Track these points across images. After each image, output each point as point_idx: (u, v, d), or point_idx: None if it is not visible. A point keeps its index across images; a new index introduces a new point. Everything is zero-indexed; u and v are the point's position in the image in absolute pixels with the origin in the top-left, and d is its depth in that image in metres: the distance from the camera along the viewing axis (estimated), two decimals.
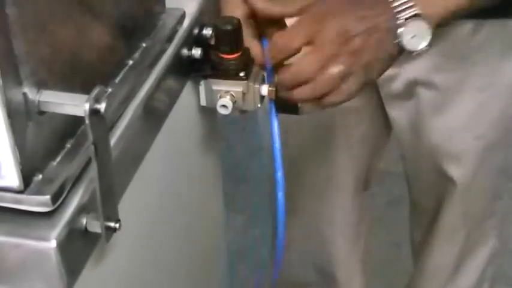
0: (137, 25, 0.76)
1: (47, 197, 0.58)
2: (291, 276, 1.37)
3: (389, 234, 1.95)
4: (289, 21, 0.86)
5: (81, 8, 0.64)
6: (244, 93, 0.82)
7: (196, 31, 0.84)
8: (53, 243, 0.57)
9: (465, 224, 1.23)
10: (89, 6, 0.66)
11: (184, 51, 0.81)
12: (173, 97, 0.80)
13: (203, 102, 0.84)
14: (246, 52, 0.83)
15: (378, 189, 1.96)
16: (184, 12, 0.82)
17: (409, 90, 1.09)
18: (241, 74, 0.82)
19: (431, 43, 0.82)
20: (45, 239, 0.57)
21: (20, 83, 0.56)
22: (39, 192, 0.58)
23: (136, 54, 0.75)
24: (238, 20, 0.82)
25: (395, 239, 1.89)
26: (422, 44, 0.81)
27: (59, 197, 0.59)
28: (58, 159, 0.61)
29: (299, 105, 0.82)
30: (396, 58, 0.84)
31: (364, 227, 1.38)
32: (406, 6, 0.80)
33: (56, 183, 0.59)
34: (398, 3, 0.80)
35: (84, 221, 0.61)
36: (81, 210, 0.60)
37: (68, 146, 0.63)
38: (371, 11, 0.81)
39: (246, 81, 0.82)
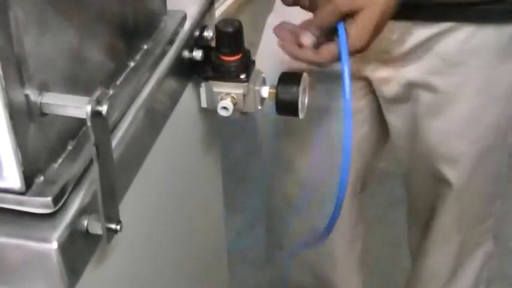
0: (138, 27, 0.76)
1: (49, 199, 0.58)
2: (288, 277, 1.38)
3: (388, 234, 1.96)
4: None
5: (83, 10, 0.64)
6: (244, 95, 0.82)
7: (197, 33, 0.84)
8: (54, 245, 0.57)
9: (460, 227, 1.23)
10: (91, 8, 0.66)
11: (186, 53, 0.82)
12: (174, 99, 0.81)
13: (204, 104, 0.85)
14: (247, 54, 0.83)
15: (377, 189, 1.96)
16: (185, 14, 0.83)
17: (407, 93, 1.09)
18: (242, 76, 0.82)
19: None
20: (47, 240, 0.57)
21: (22, 85, 0.56)
22: (40, 193, 0.58)
23: (138, 56, 0.75)
24: (239, 22, 0.82)
25: (395, 239, 1.90)
26: None
27: (61, 199, 0.59)
28: (60, 160, 0.62)
29: (299, 107, 0.82)
30: None
31: (362, 228, 1.38)
32: None
33: (58, 185, 0.59)
34: None
35: (85, 222, 0.61)
36: (83, 211, 0.61)
37: (70, 147, 0.63)
38: None
39: (246, 83, 0.82)
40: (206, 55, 0.83)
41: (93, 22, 0.66)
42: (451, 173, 1.15)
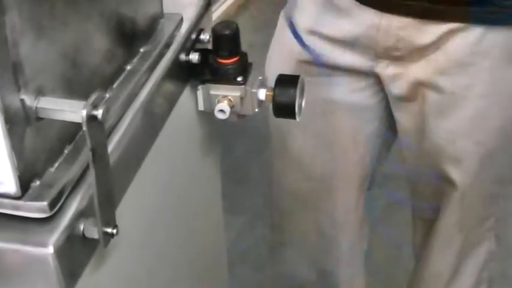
0: (136, 30, 0.76)
1: (45, 203, 0.58)
2: (292, 275, 1.38)
3: (391, 236, 1.95)
4: None
5: (79, 14, 0.64)
6: (242, 98, 0.82)
7: (194, 36, 0.84)
8: (50, 249, 0.57)
9: (462, 226, 1.23)
10: (87, 12, 0.66)
11: (183, 56, 0.82)
12: (171, 102, 0.81)
13: (201, 107, 0.85)
14: (244, 57, 0.83)
15: (380, 191, 1.96)
16: (182, 18, 0.83)
17: (414, 91, 1.10)
18: (239, 79, 0.82)
19: None
20: (43, 244, 0.57)
21: (17, 90, 0.56)
22: (37, 198, 0.58)
23: (135, 60, 0.75)
24: (236, 25, 0.82)
25: (397, 240, 1.90)
26: None
27: (57, 203, 0.59)
28: (56, 165, 0.62)
29: (296, 109, 0.82)
30: None
31: (367, 228, 1.38)
32: None
33: (54, 189, 0.59)
34: None
35: (82, 226, 0.61)
36: (79, 216, 0.61)
37: (66, 151, 0.63)
38: None
39: (243, 86, 0.82)
40: (203, 58, 0.83)
41: (89, 26, 0.66)
42: (456, 173, 1.15)
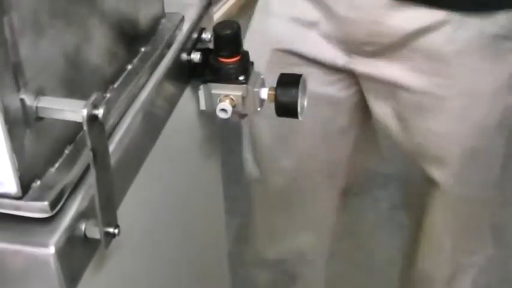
0: (136, 30, 0.76)
1: (46, 203, 0.58)
2: (255, 274, 1.37)
3: (391, 239, 1.95)
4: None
5: (79, 13, 0.64)
6: (243, 97, 0.82)
7: (195, 35, 0.84)
8: (51, 250, 0.57)
9: (453, 231, 1.22)
10: (88, 11, 0.66)
11: (184, 56, 0.81)
12: (173, 101, 0.80)
13: (203, 107, 0.84)
14: (245, 56, 0.83)
15: (381, 194, 1.96)
16: (183, 17, 0.82)
17: (390, 90, 1.09)
18: (241, 78, 0.82)
19: None
20: (44, 245, 0.57)
21: (17, 89, 0.56)
22: (37, 198, 0.58)
23: (136, 59, 0.75)
24: (238, 24, 0.82)
25: (398, 244, 1.89)
26: None
27: (58, 203, 0.59)
28: (57, 165, 0.61)
29: (298, 109, 0.82)
30: None
31: (340, 228, 1.37)
32: None
33: (55, 190, 0.59)
34: None
35: (83, 227, 0.61)
36: (80, 216, 0.60)
37: (67, 151, 0.63)
38: None
39: (245, 85, 0.82)
40: (204, 57, 0.83)
41: (90, 25, 0.66)
42: (438, 174, 1.14)
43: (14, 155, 0.56)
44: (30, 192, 0.58)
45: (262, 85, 0.84)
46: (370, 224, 1.92)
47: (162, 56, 0.78)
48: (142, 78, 0.74)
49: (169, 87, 0.79)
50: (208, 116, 0.88)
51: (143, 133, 0.72)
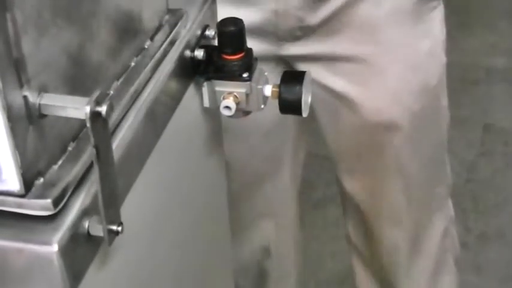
0: (140, 26, 0.75)
1: (49, 201, 0.58)
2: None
3: None
4: None
5: (82, 10, 0.64)
6: (247, 94, 0.82)
7: (199, 32, 0.84)
8: (54, 247, 0.57)
9: (410, 196, 1.21)
10: (91, 7, 0.65)
11: (187, 53, 0.81)
12: (176, 99, 0.80)
13: (206, 104, 0.84)
14: (249, 53, 0.82)
15: None
16: (186, 13, 0.82)
17: (327, 67, 1.09)
18: (245, 75, 0.81)
19: None
20: (47, 243, 0.57)
21: (20, 86, 0.55)
22: (40, 196, 0.58)
23: (139, 56, 0.75)
24: (241, 21, 0.81)
25: None
26: None
27: (61, 201, 0.59)
28: (60, 162, 0.61)
29: (302, 106, 0.82)
30: None
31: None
32: None
33: (58, 187, 0.59)
34: None
35: (86, 224, 0.60)
36: (84, 213, 0.60)
37: (70, 149, 0.63)
38: None
39: (249, 82, 0.81)
40: (208, 54, 0.82)
41: (93, 22, 0.66)
42: (388, 142, 1.14)
43: (16, 152, 0.56)
44: (33, 189, 0.58)
45: (266, 82, 0.83)
46: None
47: (165, 53, 0.78)
48: (146, 75, 0.74)
49: (173, 84, 0.79)
50: (212, 113, 0.88)
51: (146, 130, 0.72)
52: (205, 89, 0.83)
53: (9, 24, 0.53)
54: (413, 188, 1.21)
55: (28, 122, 0.57)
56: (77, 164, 0.61)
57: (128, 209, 0.66)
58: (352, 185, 1.24)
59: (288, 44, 1.08)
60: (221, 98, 0.82)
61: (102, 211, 0.59)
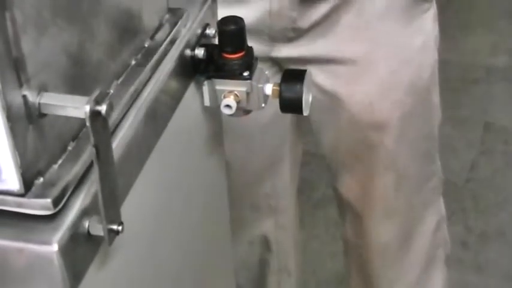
0: (140, 25, 0.75)
1: (49, 200, 0.57)
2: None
3: None
4: None
5: (82, 8, 0.64)
6: (248, 93, 0.81)
7: (199, 31, 0.84)
8: (54, 247, 0.56)
9: (400, 192, 1.21)
10: (91, 6, 0.65)
11: (188, 52, 0.81)
12: (177, 98, 0.80)
13: (207, 103, 0.84)
14: (250, 51, 0.82)
15: None
16: (187, 12, 0.82)
17: (318, 68, 1.09)
18: (245, 74, 0.81)
19: None
20: (47, 242, 0.57)
21: (19, 86, 0.55)
22: (40, 195, 0.58)
23: (139, 55, 0.75)
24: (242, 19, 0.81)
25: None
26: None
27: (61, 200, 0.58)
28: (59, 162, 0.61)
29: (303, 105, 0.82)
30: None
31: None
32: None
33: (58, 186, 0.59)
34: None
35: (86, 224, 0.60)
36: (84, 213, 0.60)
37: (70, 148, 0.62)
38: None
39: (249, 81, 0.81)
40: (209, 53, 0.82)
41: (93, 21, 0.66)
42: (378, 139, 1.14)
43: (16, 152, 0.56)
44: (33, 189, 0.58)
45: (267, 81, 0.83)
46: None
47: (166, 52, 0.77)
48: (146, 74, 0.73)
49: (173, 83, 0.78)
50: (213, 112, 0.87)
51: (147, 129, 0.72)
52: (205, 88, 0.83)
53: (9, 24, 0.53)
54: (404, 183, 1.21)
55: (28, 121, 0.56)
56: (76, 163, 0.61)
57: (128, 208, 0.66)
58: (345, 183, 1.24)
59: (279, 45, 1.09)
60: (222, 97, 0.82)
61: (102, 211, 0.59)
